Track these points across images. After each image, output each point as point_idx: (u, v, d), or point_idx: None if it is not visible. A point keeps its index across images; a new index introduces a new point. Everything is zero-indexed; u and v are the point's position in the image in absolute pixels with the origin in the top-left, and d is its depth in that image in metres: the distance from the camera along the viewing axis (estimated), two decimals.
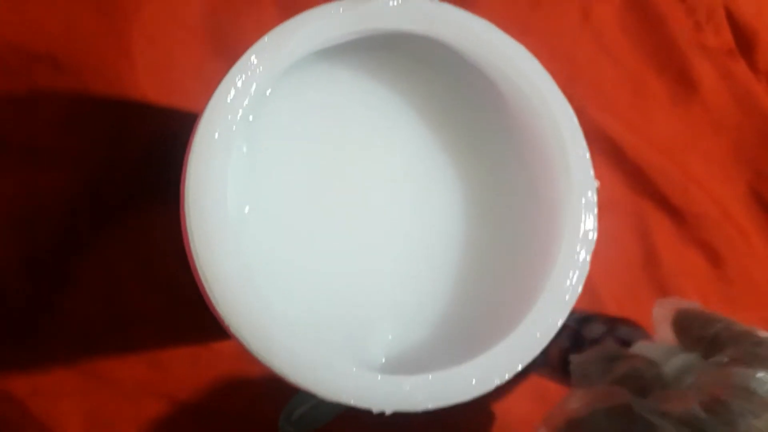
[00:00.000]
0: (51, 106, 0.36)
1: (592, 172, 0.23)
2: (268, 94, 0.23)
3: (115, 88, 0.37)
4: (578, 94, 0.45)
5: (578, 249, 0.23)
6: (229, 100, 0.20)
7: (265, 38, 0.21)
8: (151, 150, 0.37)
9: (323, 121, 0.25)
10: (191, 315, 0.35)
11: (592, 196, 0.23)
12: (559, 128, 0.23)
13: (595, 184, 0.24)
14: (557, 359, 0.35)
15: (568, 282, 0.23)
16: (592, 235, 0.24)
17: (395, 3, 0.22)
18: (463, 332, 0.24)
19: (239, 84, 0.20)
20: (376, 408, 0.20)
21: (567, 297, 0.23)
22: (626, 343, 0.35)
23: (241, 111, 0.20)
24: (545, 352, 0.22)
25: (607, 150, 0.45)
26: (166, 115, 0.38)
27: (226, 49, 0.40)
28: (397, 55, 0.26)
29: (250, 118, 0.23)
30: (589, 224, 0.24)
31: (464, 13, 0.23)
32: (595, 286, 0.44)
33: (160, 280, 0.37)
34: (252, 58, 0.20)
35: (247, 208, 0.23)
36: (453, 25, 0.22)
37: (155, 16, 0.38)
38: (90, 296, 0.36)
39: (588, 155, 0.23)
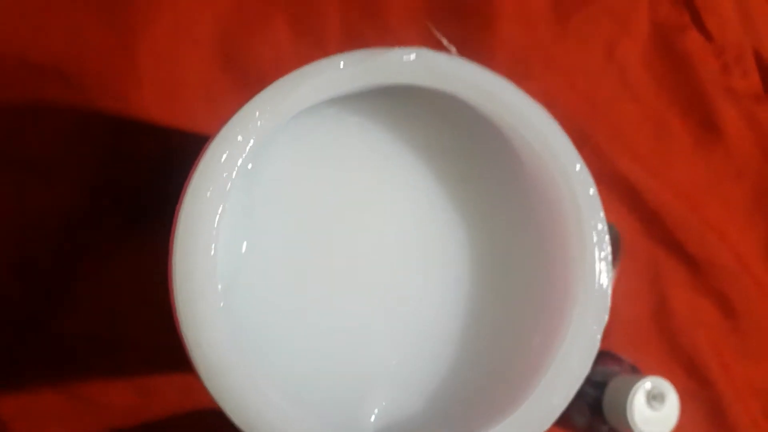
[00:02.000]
0: (54, 121, 0.36)
1: (608, 246, 0.22)
2: (266, 145, 0.22)
3: (119, 105, 0.36)
4: (597, 133, 0.43)
5: (591, 323, 0.22)
6: (223, 159, 0.19)
7: (267, 91, 0.20)
8: (152, 170, 0.36)
9: (327, 170, 0.23)
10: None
11: (606, 279, 0.22)
12: (577, 200, 0.21)
13: (609, 252, 0.22)
14: None
15: (578, 360, 0.21)
16: (605, 314, 0.23)
17: (408, 58, 0.21)
18: (463, 405, 0.23)
19: (238, 138, 0.19)
20: None
21: (576, 373, 0.22)
22: (601, 384, 0.35)
23: (236, 170, 0.19)
24: None
25: (623, 192, 0.43)
26: (171, 135, 0.37)
27: (235, 69, 0.39)
28: (409, 104, 0.24)
29: (249, 166, 0.22)
30: (602, 303, 0.22)
31: (480, 69, 0.22)
32: (605, 333, 0.42)
33: (153, 305, 0.36)
34: (251, 112, 0.19)
35: (244, 248, 0.22)
36: (468, 81, 0.21)
37: (165, 33, 0.37)
38: (81, 318, 0.36)
39: (603, 226, 0.22)
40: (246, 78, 0.39)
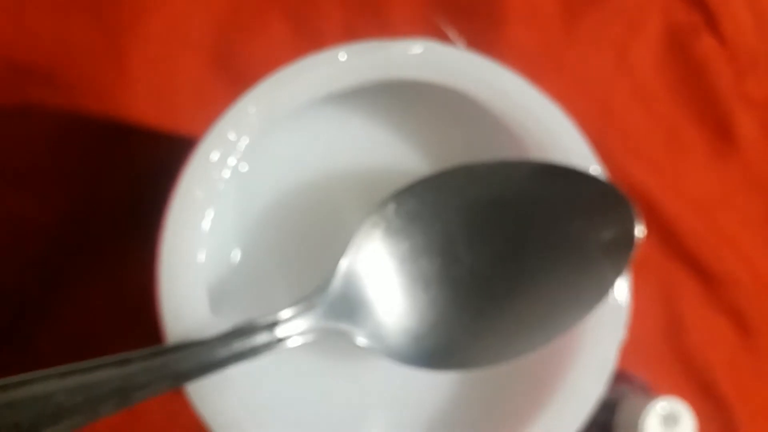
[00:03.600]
0: (41, 124, 0.34)
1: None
2: (262, 146, 0.20)
3: (109, 109, 0.35)
4: (609, 141, 0.42)
5: (606, 342, 0.20)
6: (214, 158, 0.17)
7: (262, 85, 0.18)
8: (142, 177, 0.35)
9: (328, 173, 0.22)
10: None
11: (624, 292, 0.20)
12: None
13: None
14: None
15: (590, 384, 0.19)
16: (622, 330, 0.21)
17: (414, 50, 0.19)
18: (467, 429, 0.21)
19: (230, 136, 0.18)
20: None
21: (588, 398, 0.20)
22: (611, 405, 0.33)
23: (228, 170, 0.17)
24: None
25: (636, 203, 0.41)
26: (163, 140, 0.35)
27: (231, 72, 0.37)
28: (415, 103, 0.23)
29: (245, 169, 0.20)
30: (619, 318, 0.20)
31: (492, 64, 0.20)
32: None
33: (139, 319, 0.34)
34: (245, 108, 0.18)
35: (238, 257, 0.21)
36: (478, 78, 0.20)
37: (157, 34, 0.35)
38: (64, 330, 0.34)
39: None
40: (242, 81, 0.36)
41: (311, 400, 0.21)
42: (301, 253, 0.21)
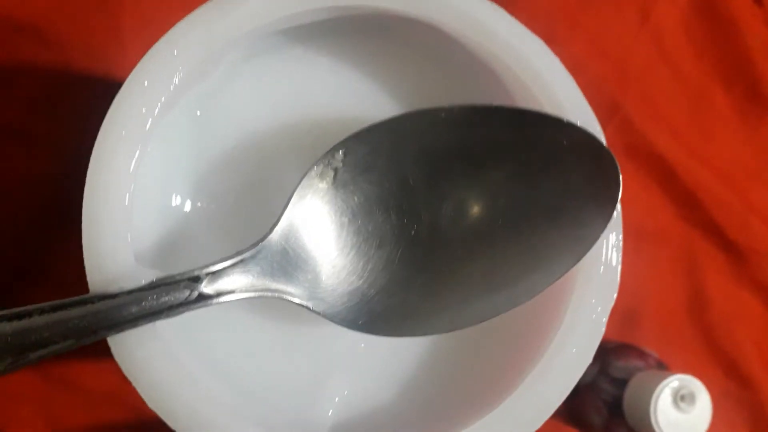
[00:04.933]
0: (31, 83, 0.33)
1: (620, 217, 0.18)
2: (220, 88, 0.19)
3: (101, 69, 0.34)
4: (628, 105, 0.40)
5: (594, 303, 0.18)
6: (143, 93, 0.16)
7: (198, 12, 0.16)
8: None
9: (288, 118, 0.20)
10: None
11: (616, 253, 0.18)
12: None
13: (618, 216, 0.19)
14: None
15: (577, 348, 0.18)
16: (613, 292, 0.19)
17: None
18: (442, 396, 0.20)
19: (163, 66, 0.16)
20: None
21: (575, 362, 0.18)
22: (621, 382, 0.31)
23: (158, 106, 0.16)
24: None
25: (656, 170, 0.39)
26: None
27: None
28: (385, 42, 0.21)
29: (198, 113, 0.19)
30: (610, 280, 0.19)
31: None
32: (632, 326, 0.38)
33: None
34: (180, 33, 0.16)
35: (188, 207, 0.19)
36: (450, 7, 0.18)
37: None
38: (61, 292, 0.34)
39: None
40: None
41: (263, 361, 0.20)
42: (256, 204, 0.20)
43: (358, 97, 0.21)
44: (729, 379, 0.40)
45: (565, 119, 0.18)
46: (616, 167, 0.18)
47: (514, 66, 0.18)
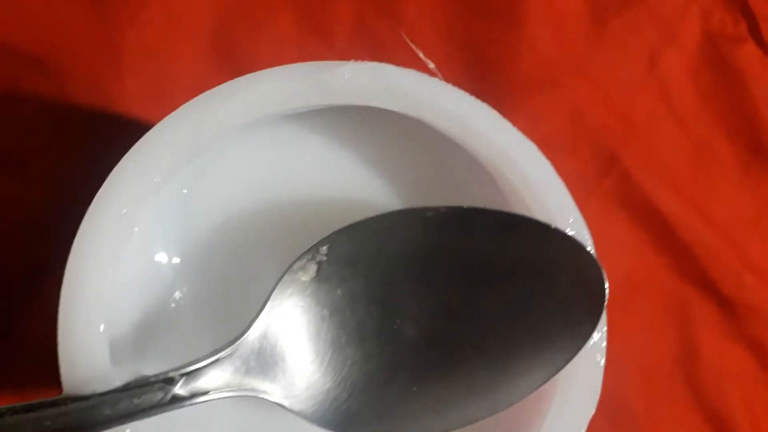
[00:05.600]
0: (30, 113, 0.33)
1: (605, 317, 0.18)
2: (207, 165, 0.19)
3: (100, 101, 0.34)
4: (629, 154, 0.39)
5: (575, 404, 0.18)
6: (132, 184, 0.16)
7: (188, 107, 0.16)
8: None
9: (278, 199, 0.20)
10: None
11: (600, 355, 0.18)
12: None
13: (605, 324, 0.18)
14: None
15: None
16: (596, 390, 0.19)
17: (359, 76, 0.17)
18: None
19: (151, 160, 0.16)
20: None
21: None
22: None
23: (147, 197, 0.16)
24: None
25: (652, 222, 0.39)
26: None
27: (231, 66, 0.36)
28: (385, 127, 0.21)
29: (184, 191, 0.19)
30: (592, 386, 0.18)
31: (454, 93, 0.18)
32: (620, 381, 0.38)
33: None
34: (162, 135, 0.16)
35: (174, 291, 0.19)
36: (437, 108, 0.18)
37: (154, 22, 0.34)
38: (48, 318, 0.34)
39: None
40: (242, 74, 0.36)
41: None
42: (240, 289, 0.20)
43: (350, 179, 0.21)
44: None
45: (552, 225, 0.18)
46: (602, 277, 0.18)
47: (505, 171, 0.18)
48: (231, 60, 0.36)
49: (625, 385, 0.38)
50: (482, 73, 0.38)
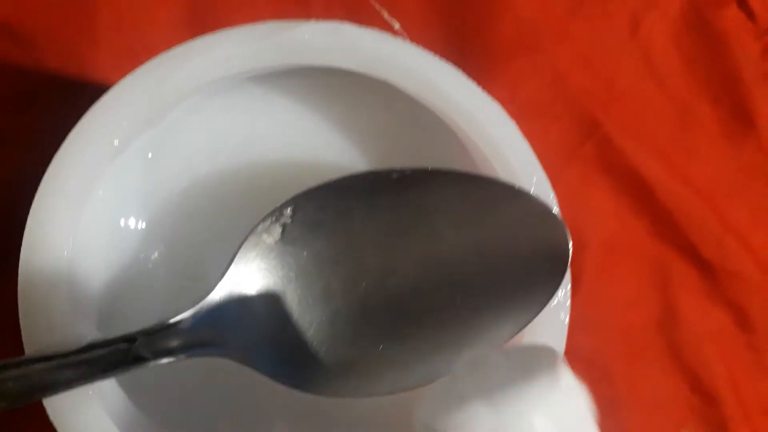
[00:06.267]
0: (3, 83, 0.33)
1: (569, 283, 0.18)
2: (164, 123, 0.19)
3: (74, 68, 0.33)
4: (611, 119, 0.39)
5: None
6: (93, 146, 0.16)
7: (147, 66, 0.16)
8: None
9: (243, 161, 0.20)
10: None
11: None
12: None
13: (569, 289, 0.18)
14: None
15: None
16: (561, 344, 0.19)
17: (321, 36, 0.17)
18: None
19: (110, 119, 0.16)
20: None
21: None
22: None
23: (109, 158, 0.16)
24: None
25: (632, 188, 0.39)
26: None
27: (209, 31, 0.35)
28: (352, 86, 0.21)
29: (149, 155, 0.19)
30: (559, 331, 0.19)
31: (418, 52, 0.18)
32: (600, 343, 0.39)
33: None
34: (119, 95, 0.16)
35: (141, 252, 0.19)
36: (400, 68, 0.18)
37: None
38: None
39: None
40: None
41: (209, 414, 0.20)
42: (207, 251, 0.20)
43: (316, 141, 0.21)
44: (694, 395, 0.40)
45: (516, 185, 0.18)
46: (566, 235, 0.18)
47: (469, 131, 0.18)
48: (207, 27, 0.35)
49: (605, 347, 0.38)
50: (462, 37, 0.38)
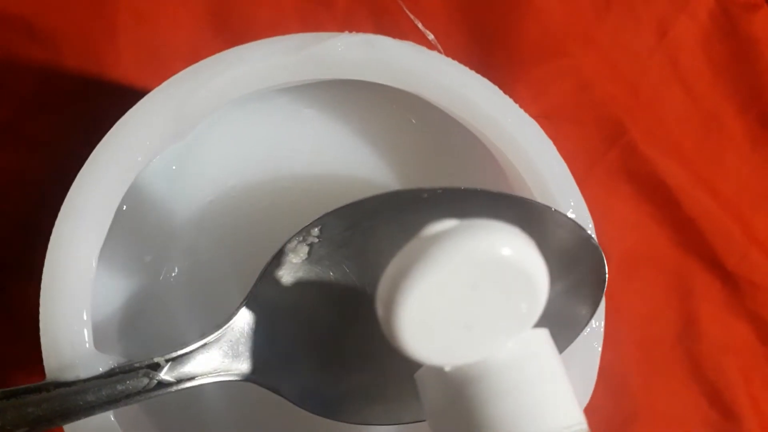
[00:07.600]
0: (24, 81, 0.33)
1: (603, 302, 0.17)
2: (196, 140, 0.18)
3: (94, 67, 0.33)
4: (635, 127, 0.38)
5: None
6: (116, 164, 0.15)
7: (174, 80, 0.16)
8: None
9: (272, 174, 0.19)
10: None
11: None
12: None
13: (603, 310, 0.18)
14: None
15: None
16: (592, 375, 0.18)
17: (353, 49, 0.16)
18: None
19: (134, 138, 0.15)
20: None
21: None
22: None
23: (132, 175, 0.15)
24: None
25: (657, 197, 0.38)
26: None
27: (228, 30, 0.35)
28: (381, 99, 0.20)
29: (173, 167, 0.18)
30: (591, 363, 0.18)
31: (453, 67, 0.17)
32: (618, 355, 0.38)
33: None
34: (151, 106, 0.15)
35: (167, 267, 0.19)
36: (434, 82, 0.17)
37: None
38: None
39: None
40: (239, 41, 0.35)
41: None
42: (230, 270, 0.19)
43: (345, 155, 0.20)
44: (712, 410, 0.39)
45: (552, 207, 0.17)
46: (603, 263, 0.17)
47: (505, 149, 0.17)
48: (228, 25, 0.35)
49: (625, 359, 0.38)
50: (488, 41, 0.37)
